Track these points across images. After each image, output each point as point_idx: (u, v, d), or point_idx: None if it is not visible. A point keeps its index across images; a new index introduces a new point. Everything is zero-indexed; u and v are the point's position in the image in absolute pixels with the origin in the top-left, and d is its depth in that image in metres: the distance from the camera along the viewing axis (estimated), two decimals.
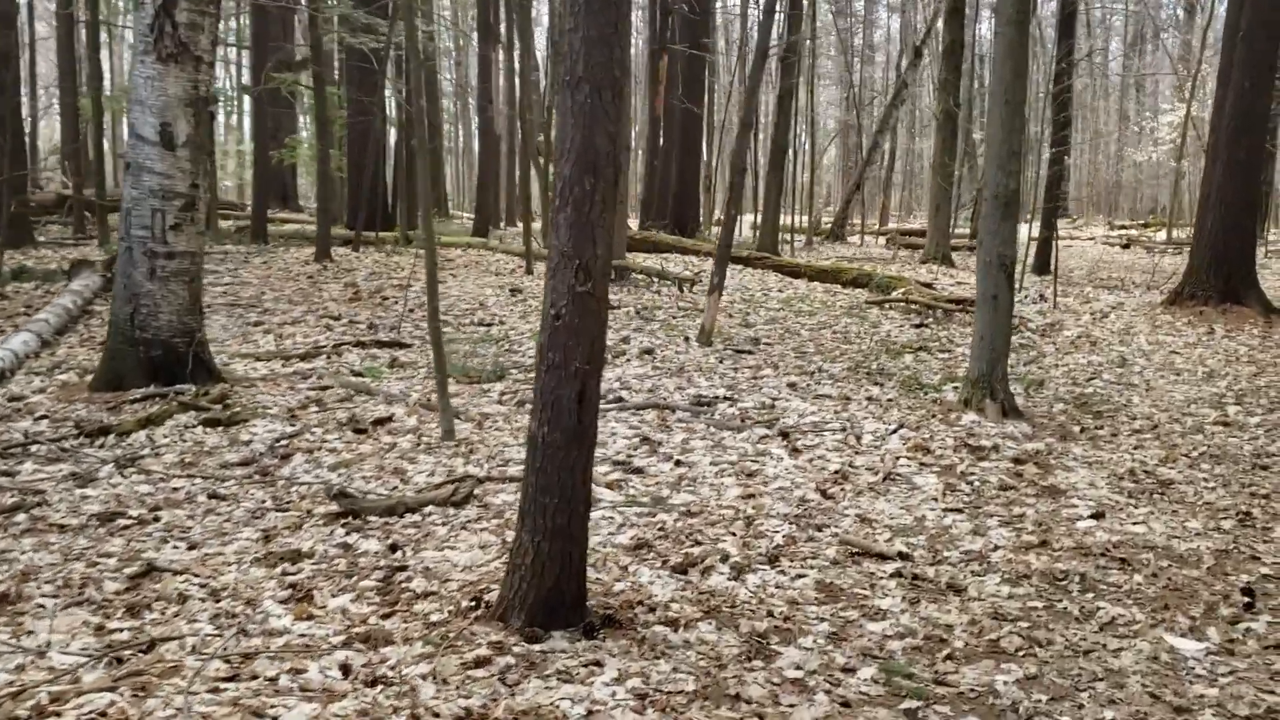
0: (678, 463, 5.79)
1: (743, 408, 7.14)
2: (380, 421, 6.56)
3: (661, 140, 24.35)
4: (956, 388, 7.48)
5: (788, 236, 22.64)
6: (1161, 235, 28.13)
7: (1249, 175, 11.86)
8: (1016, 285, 15.00)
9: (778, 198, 16.86)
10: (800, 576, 4.17)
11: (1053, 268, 17.58)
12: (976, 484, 5.50)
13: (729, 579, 4.10)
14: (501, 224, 29.72)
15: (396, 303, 11.72)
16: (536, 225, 17.05)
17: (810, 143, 25.94)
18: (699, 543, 4.50)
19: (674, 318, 11.49)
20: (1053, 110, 17.53)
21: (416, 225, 21.46)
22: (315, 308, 11.23)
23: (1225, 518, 5.10)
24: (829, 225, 29.70)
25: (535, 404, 3.55)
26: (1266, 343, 10.50)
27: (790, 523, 4.83)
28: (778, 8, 13.71)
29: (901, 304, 12.88)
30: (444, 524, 4.74)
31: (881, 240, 28.36)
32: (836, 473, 5.63)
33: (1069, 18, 17.01)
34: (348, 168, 21.78)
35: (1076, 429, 6.80)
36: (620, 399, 7.24)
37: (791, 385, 7.93)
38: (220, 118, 36.96)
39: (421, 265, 14.82)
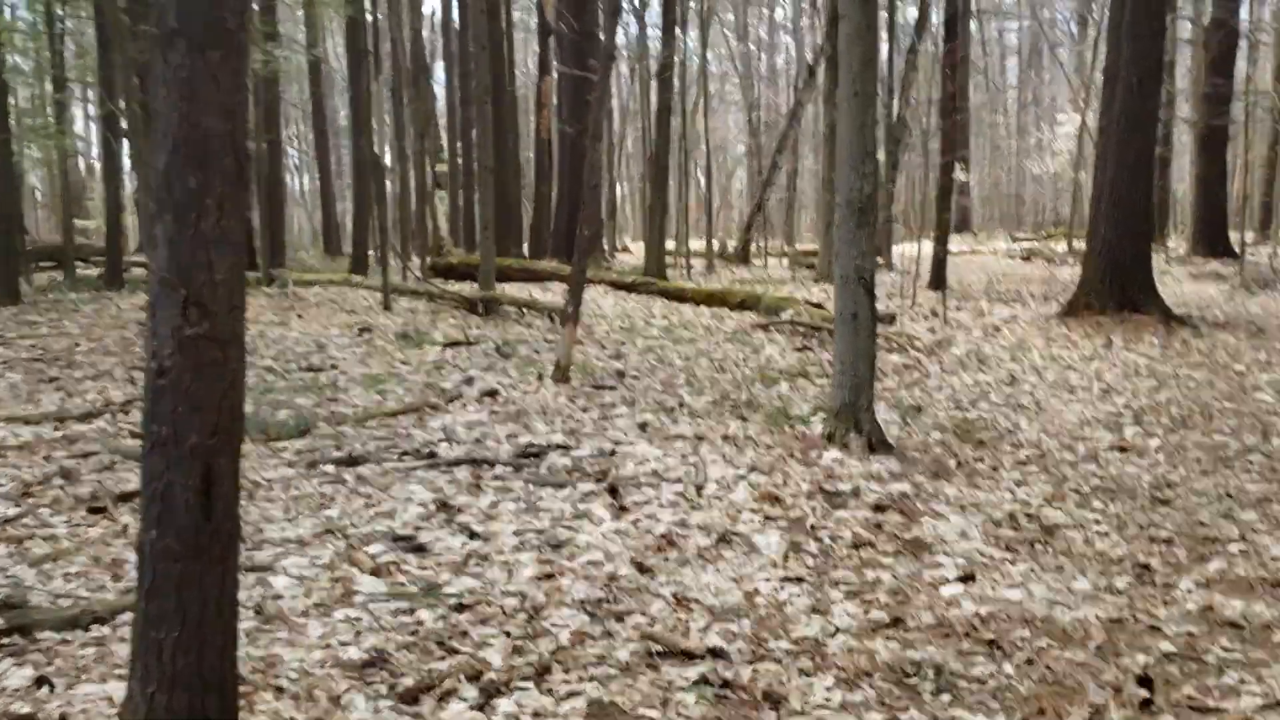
0: (473, 534, 4.76)
1: (577, 457, 6.14)
2: (127, 496, 5.41)
3: (555, 166, 23.46)
4: (826, 419, 6.58)
5: (688, 260, 21.83)
6: (1062, 246, 27.98)
7: (1141, 177, 11.29)
8: (909, 301, 14.44)
9: (661, 220, 16.03)
10: (572, 695, 3.17)
11: (942, 281, 17.02)
12: (827, 541, 4.57)
13: (472, 707, 3.08)
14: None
15: None
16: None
17: (707, 164, 25.24)
18: (454, 651, 3.48)
19: (538, 353, 10.48)
20: (940, 115, 16.99)
21: (282, 263, 20.22)
22: (130, 359, 9.98)
23: (1120, 572, 4.23)
24: (735, 248, 29.05)
25: (142, 498, 2.51)
26: (1167, 353, 9.84)
27: (587, 611, 3.83)
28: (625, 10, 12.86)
29: (788, 326, 12.05)
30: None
31: (785, 261, 27.75)
32: (664, 536, 4.65)
33: (951, 20, 16.53)
34: None
35: (953, 463, 5.93)
36: (433, 455, 6.19)
37: (643, 426, 6.96)
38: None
39: (271, 308, 13.65)
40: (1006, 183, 47.18)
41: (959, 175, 39.60)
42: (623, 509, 5.09)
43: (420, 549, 4.59)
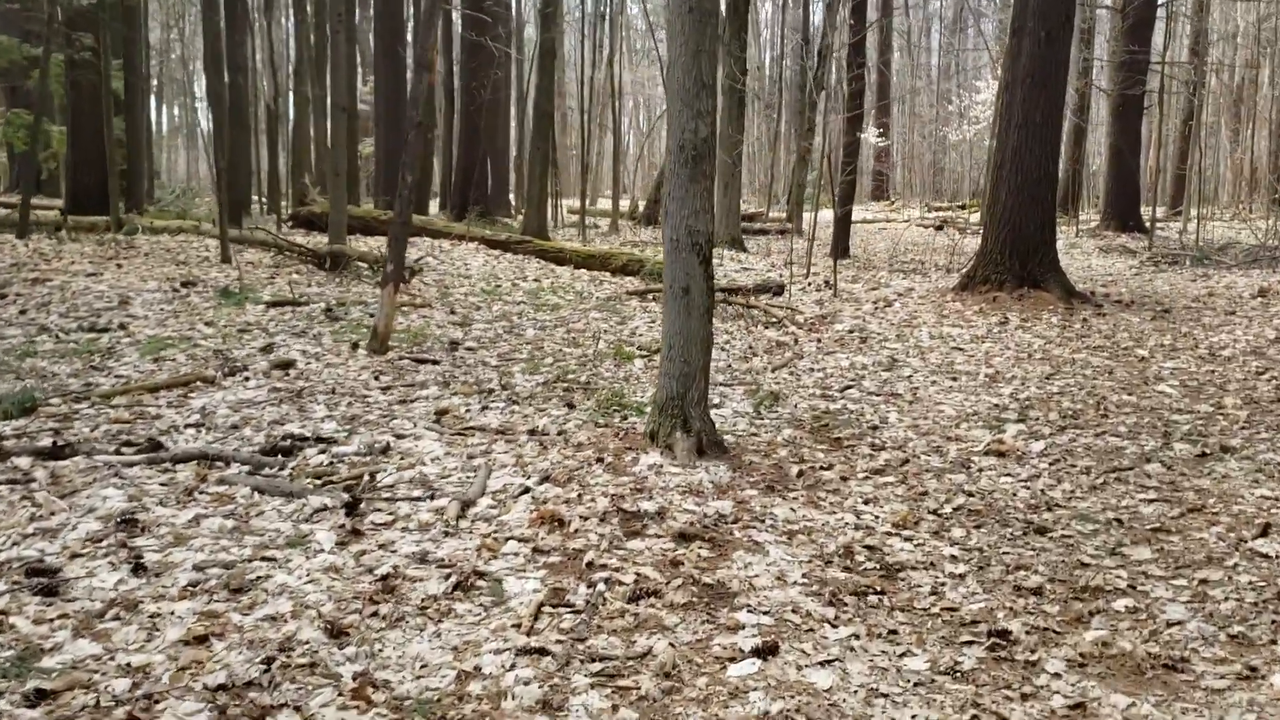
0: (139, 567, 3.58)
1: (339, 454, 4.96)
2: None
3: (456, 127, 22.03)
4: (651, 414, 5.49)
5: (582, 218, 20.61)
6: (976, 216, 27.33)
7: (1047, 139, 10.36)
8: (806, 271, 13.40)
9: (543, 172, 14.76)
10: None
11: (844, 249, 16.10)
12: (601, 588, 3.48)
13: None
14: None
15: (12, 302, 9.07)
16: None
17: (615, 116, 23.94)
18: None
19: (372, 316, 9.24)
20: (846, 63, 15.97)
21: (142, 208, 18.51)
22: None
23: (971, 640, 3.21)
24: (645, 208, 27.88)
25: None
26: (1066, 334, 8.96)
27: (215, 708, 2.69)
28: None
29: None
30: None
31: None
32: (386, 578, 3.52)
33: None
34: (70, 138, 18.51)
35: (796, 469, 4.88)
36: (158, 446, 4.96)
37: (440, 415, 5.79)
38: None
39: (93, 257, 12.12)
40: (927, 151, 46.64)
41: (876, 140, 38.94)
42: (355, 533, 3.94)
43: (51, 590, 3.39)
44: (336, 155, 12.03)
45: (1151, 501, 4.57)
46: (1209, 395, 6.67)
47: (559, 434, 5.38)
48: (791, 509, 4.31)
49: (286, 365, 6.89)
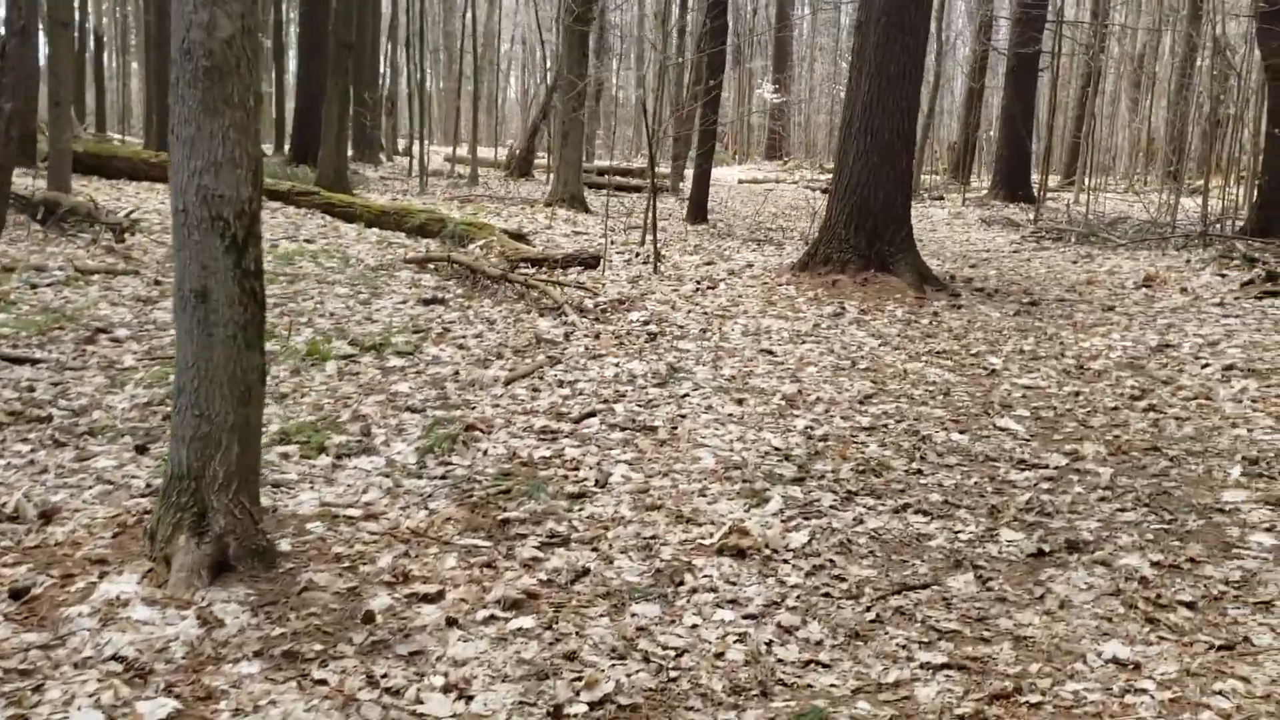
0: None
1: None
2: None
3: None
4: (157, 504, 3.52)
5: (424, 169, 18.39)
6: None
7: (903, 94, 8.57)
8: (643, 239, 11.38)
9: (341, 113, 12.54)
10: None
11: (702, 213, 14.28)
12: None
13: None
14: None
15: None
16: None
17: (459, 54, 21.65)
18: None
19: (34, 289, 7.09)
20: (708, 18, 14.05)
21: None
22: None
23: None
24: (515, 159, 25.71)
25: None
26: (908, 332, 7.23)
27: None
28: None
29: (446, 264, 8.95)
30: None
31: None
32: None
33: None
34: None
35: (379, 603, 2.98)
36: None
37: None
38: None
39: None
40: (825, 110, 45.06)
41: (772, 96, 37.21)
42: None
43: None
44: (55, 82, 9.70)
45: (936, 673, 2.78)
46: (1066, 435, 4.97)
47: (41, 520, 3.39)
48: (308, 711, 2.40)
49: None
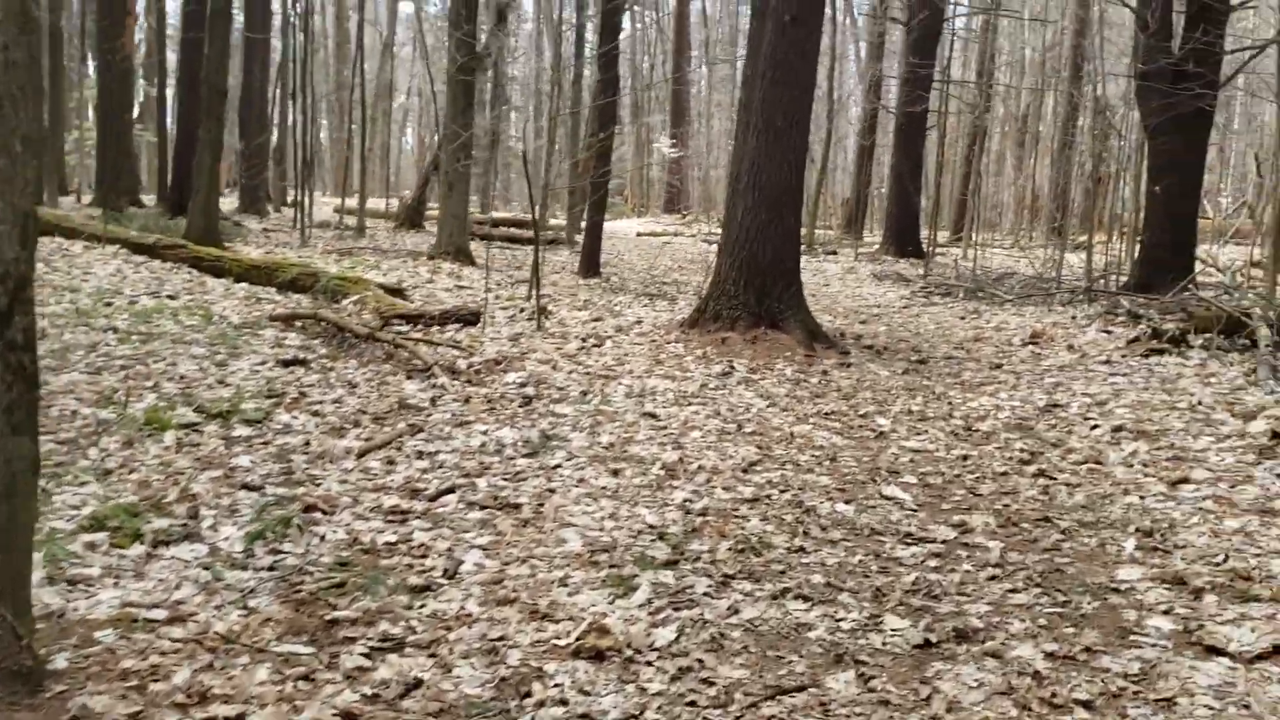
0: None
1: None
2: None
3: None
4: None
5: (304, 223, 17.79)
6: None
7: (790, 147, 8.42)
8: (529, 294, 11.00)
9: (213, 162, 11.96)
10: None
11: (594, 267, 14.01)
12: None
13: None
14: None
15: None
16: None
17: (362, 103, 21.18)
18: None
19: None
20: (599, 70, 13.89)
21: None
22: None
23: None
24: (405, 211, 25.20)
25: None
26: (797, 392, 6.99)
27: None
28: None
29: (313, 322, 8.45)
30: None
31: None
32: None
33: None
34: None
35: None
36: None
37: None
38: None
39: None
40: (726, 165, 45.57)
41: (669, 150, 37.44)
42: None
43: None
44: None
45: None
46: (955, 505, 4.73)
47: None
48: None
49: None
